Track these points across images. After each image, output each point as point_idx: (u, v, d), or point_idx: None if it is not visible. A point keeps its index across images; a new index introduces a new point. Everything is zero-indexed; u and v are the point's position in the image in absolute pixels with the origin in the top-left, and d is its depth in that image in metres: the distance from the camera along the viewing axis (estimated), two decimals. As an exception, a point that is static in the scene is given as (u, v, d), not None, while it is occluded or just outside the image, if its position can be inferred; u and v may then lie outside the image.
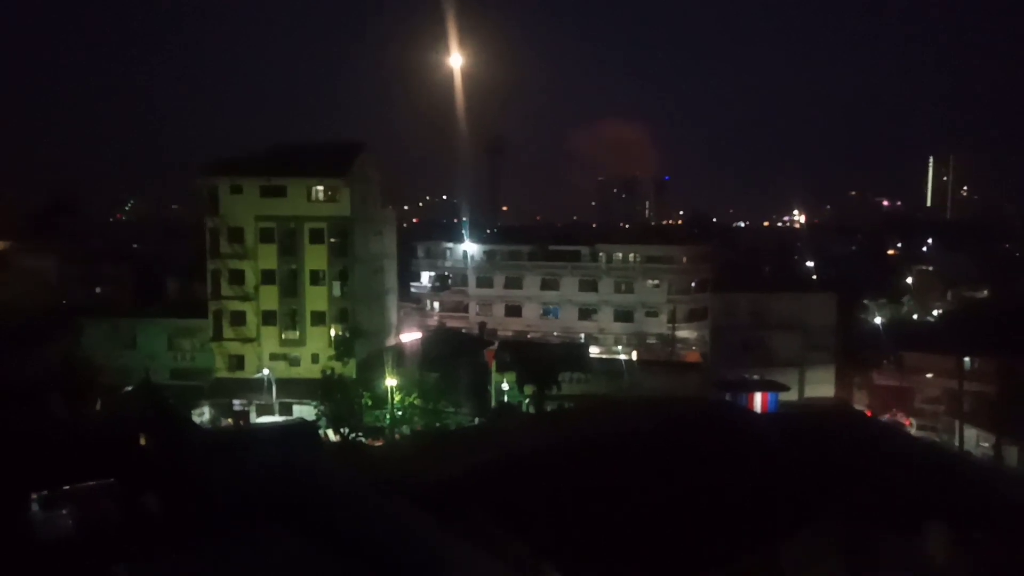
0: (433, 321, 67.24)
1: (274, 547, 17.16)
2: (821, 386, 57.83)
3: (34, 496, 20.28)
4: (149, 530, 19.30)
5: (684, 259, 65.77)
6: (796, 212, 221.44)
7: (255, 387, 48.91)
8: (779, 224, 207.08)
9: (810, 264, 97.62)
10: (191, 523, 19.13)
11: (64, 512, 20.02)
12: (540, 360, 48.05)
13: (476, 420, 44.21)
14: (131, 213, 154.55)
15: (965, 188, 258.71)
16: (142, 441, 26.18)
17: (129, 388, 41.61)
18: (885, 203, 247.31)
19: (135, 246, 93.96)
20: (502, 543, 15.85)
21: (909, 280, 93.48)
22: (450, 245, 71.12)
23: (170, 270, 65.76)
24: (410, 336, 60.19)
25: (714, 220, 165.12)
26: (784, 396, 48.63)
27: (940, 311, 79.52)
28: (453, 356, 49.64)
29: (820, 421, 32.37)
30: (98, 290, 69.60)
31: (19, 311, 50.42)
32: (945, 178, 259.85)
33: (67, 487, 20.51)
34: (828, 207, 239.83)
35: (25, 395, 34.48)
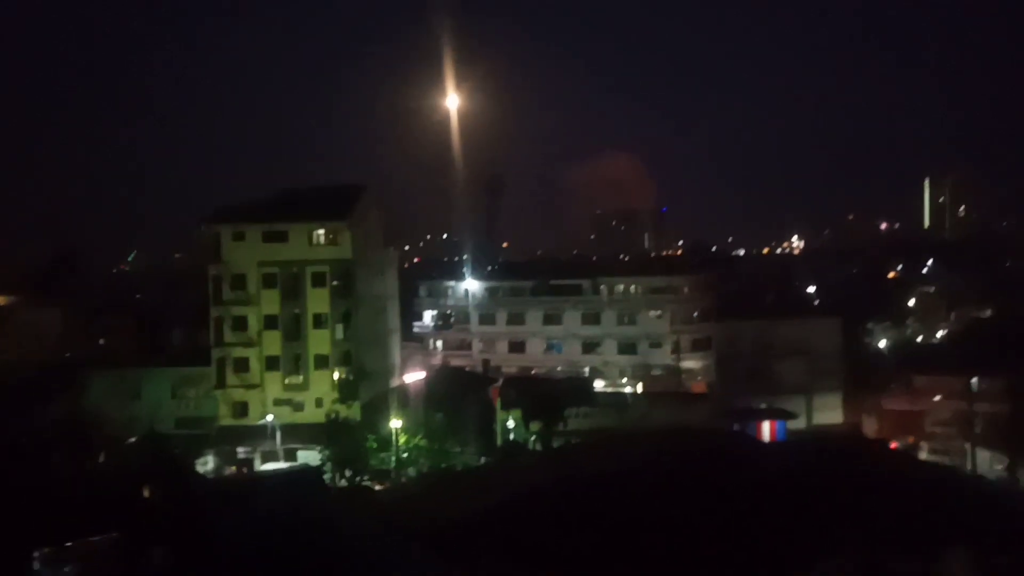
0: (437, 360, 67.03)
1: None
2: (829, 412, 57.40)
3: (36, 554, 20.00)
4: (153, 585, 18.97)
5: (685, 289, 65.81)
6: (795, 238, 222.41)
7: (259, 434, 48.56)
8: (779, 251, 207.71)
9: (811, 289, 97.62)
10: (197, 576, 18.83)
11: (67, 570, 19.74)
12: (545, 396, 47.79)
13: (483, 459, 43.76)
14: (133, 264, 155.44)
15: (963, 208, 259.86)
16: (146, 493, 25.90)
17: (133, 439, 41.33)
18: (883, 226, 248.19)
19: (138, 296, 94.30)
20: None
21: (912, 302, 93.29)
22: (452, 283, 71.31)
23: (173, 319, 65.85)
24: (414, 376, 59.94)
25: (714, 249, 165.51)
26: (792, 424, 48.24)
27: (945, 332, 79.20)
28: (458, 395, 49.38)
29: (831, 449, 31.97)
30: (102, 342, 69.62)
31: (23, 365, 50.38)
32: (942, 199, 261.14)
33: (70, 543, 20.24)
34: (827, 232, 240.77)
35: (29, 450, 34.25)
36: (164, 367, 53.62)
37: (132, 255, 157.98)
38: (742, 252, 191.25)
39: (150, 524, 22.10)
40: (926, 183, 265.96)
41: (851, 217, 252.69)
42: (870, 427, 54.61)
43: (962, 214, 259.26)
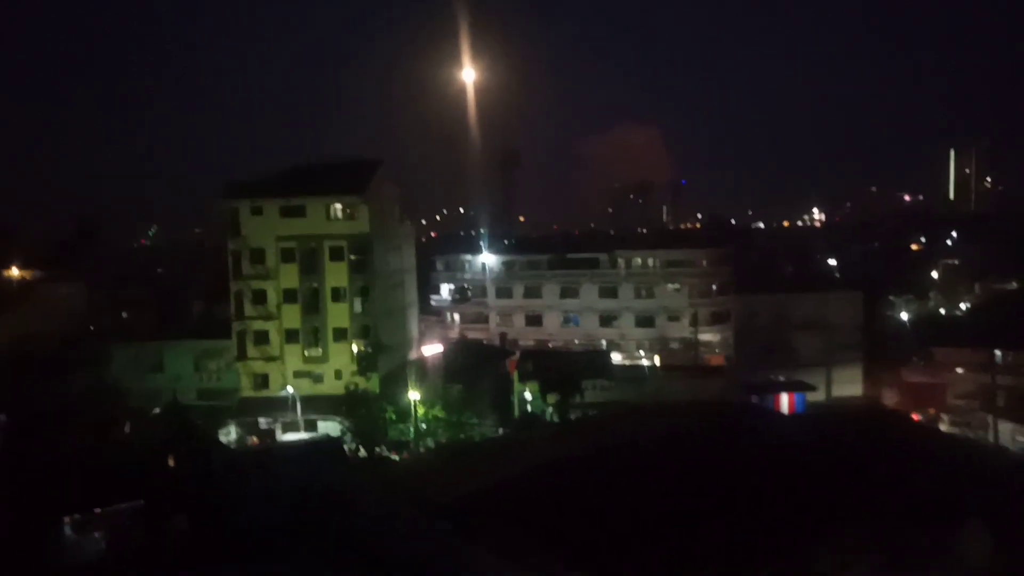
0: (454, 333, 67.33)
1: (301, 565, 17.19)
2: (848, 385, 57.00)
3: (66, 520, 20.53)
4: (178, 551, 19.42)
5: (704, 262, 65.28)
6: (816, 211, 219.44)
7: (280, 405, 49.24)
8: (799, 224, 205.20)
9: (832, 263, 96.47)
10: (219, 543, 19.21)
11: (96, 535, 20.25)
12: (562, 369, 47.84)
13: (500, 431, 44.08)
14: (154, 239, 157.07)
15: (988, 179, 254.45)
16: (170, 463, 26.42)
17: (156, 411, 42.10)
18: (907, 198, 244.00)
19: (159, 271, 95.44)
20: (529, 555, 15.71)
21: (934, 275, 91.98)
22: (469, 257, 71.29)
23: (194, 293, 66.64)
24: (431, 349, 60.29)
25: (733, 222, 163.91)
26: (811, 397, 47.98)
27: (968, 305, 78.06)
28: (475, 368, 49.63)
29: (850, 421, 31.80)
30: (124, 315, 70.69)
31: (48, 339, 51.29)
32: (967, 170, 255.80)
33: (98, 510, 20.74)
34: (848, 204, 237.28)
35: (58, 421, 35.03)
36: (186, 340, 54.38)
37: (152, 230, 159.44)
38: (761, 225, 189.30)
39: (174, 492, 22.57)
40: (951, 154, 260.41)
41: (873, 189, 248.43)
42: (890, 400, 54.26)
43: (987, 186, 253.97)
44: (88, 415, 37.88)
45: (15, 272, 66.43)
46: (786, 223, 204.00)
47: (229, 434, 48.15)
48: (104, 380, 47.00)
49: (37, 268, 68.34)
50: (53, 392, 41.18)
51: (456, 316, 70.45)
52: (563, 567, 15.34)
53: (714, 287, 64.15)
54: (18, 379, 38.71)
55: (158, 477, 24.31)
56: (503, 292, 67.96)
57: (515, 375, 51.33)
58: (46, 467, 24.67)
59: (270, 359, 51.60)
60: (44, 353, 47.51)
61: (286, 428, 48.80)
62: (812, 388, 49.37)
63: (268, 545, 17.97)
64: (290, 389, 49.79)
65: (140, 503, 21.35)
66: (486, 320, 68.28)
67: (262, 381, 51.71)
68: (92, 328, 60.98)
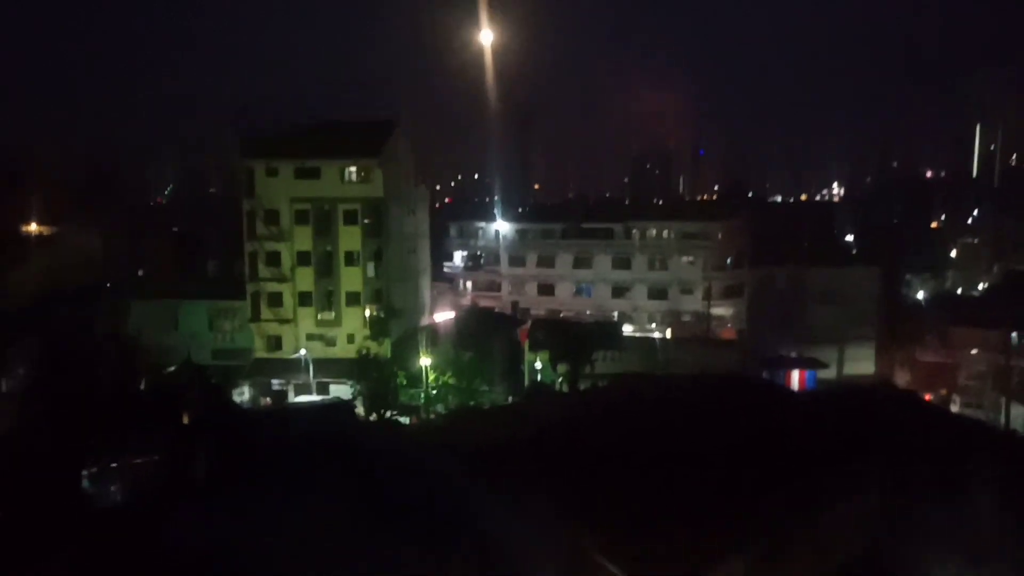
0: (466, 300, 67.56)
1: (317, 506, 17.50)
2: (861, 363, 56.83)
3: (85, 472, 21.00)
4: (195, 499, 19.81)
5: (719, 235, 64.80)
6: (835, 184, 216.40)
7: (293, 367, 49.82)
8: (818, 197, 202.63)
9: (850, 238, 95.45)
10: (236, 488, 19.57)
11: (113, 488, 20.72)
12: (573, 338, 48.03)
13: (510, 399, 44.47)
14: (170, 197, 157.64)
15: (1015, 156, 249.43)
16: (185, 419, 26.91)
17: (172, 368, 42.73)
18: (929, 173, 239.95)
19: (175, 228, 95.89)
20: (537, 504, 15.97)
21: (954, 253, 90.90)
22: (482, 224, 71.15)
23: (209, 251, 67.05)
24: (444, 315, 60.60)
25: (750, 194, 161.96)
26: (823, 374, 47.93)
27: (986, 284, 77.23)
28: (486, 335, 49.86)
29: (861, 399, 31.73)
30: (140, 272, 71.35)
31: (66, 291, 51.90)
32: (992, 147, 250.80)
33: (115, 464, 21.19)
34: (868, 179, 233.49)
35: (76, 376, 35.64)
36: (201, 298, 54.89)
37: (169, 188, 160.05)
38: (779, 198, 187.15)
39: (189, 447, 23.02)
40: (976, 129, 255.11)
41: (895, 164, 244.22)
42: (903, 379, 54.08)
43: (1013, 163, 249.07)
44: (106, 370, 38.53)
45: (33, 226, 67.08)
46: (804, 196, 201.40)
47: (243, 394, 48.87)
48: (121, 335, 47.64)
49: (56, 222, 68.94)
50: (72, 346, 41.82)
51: (468, 283, 70.61)
52: (570, 515, 15.56)
53: (729, 260, 63.75)
54: (37, 332, 39.32)
55: (173, 432, 24.79)
56: (516, 260, 67.93)
57: (526, 344, 51.59)
58: (65, 419, 25.19)
59: (283, 321, 52.07)
60: (62, 305, 48.11)
61: (299, 390, 49.44)
62: (824, 365, 49.35)
63: (284, 489, 18.31)
64: (303, 351, 50.31)
65: (156, 458, 21.80)
66: (498, 288, 68.41)
67: (275, 343, 52.26)
68: (109, 283, 61.61)
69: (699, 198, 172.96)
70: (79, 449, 21.76)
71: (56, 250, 59.28)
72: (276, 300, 52.19)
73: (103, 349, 41.53)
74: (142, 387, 41.08)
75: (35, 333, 38.82)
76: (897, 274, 68.98)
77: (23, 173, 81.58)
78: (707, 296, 60.66)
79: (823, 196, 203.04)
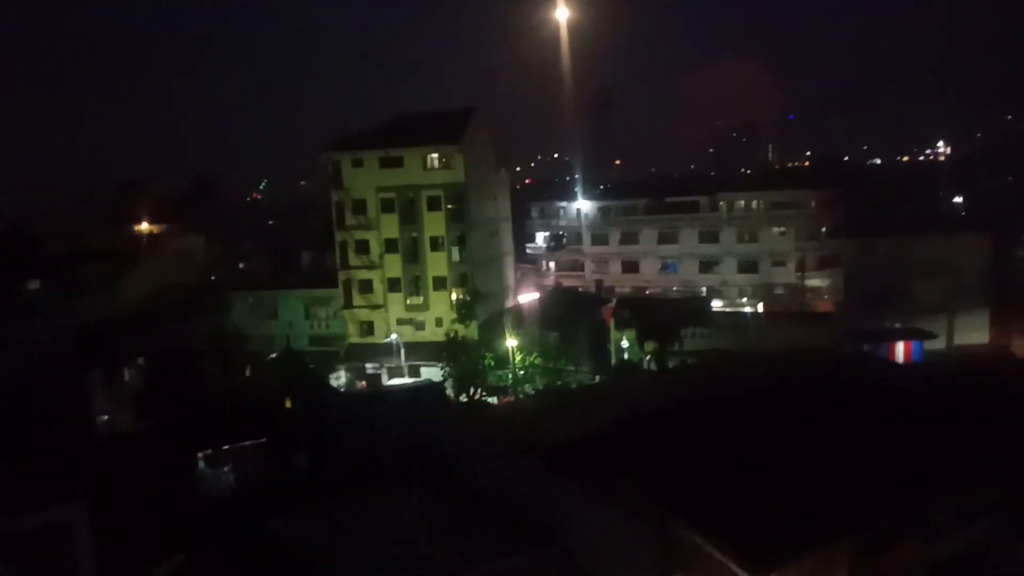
0: (550, 281, 67.60)
1: (408, 499, 18.15)
2: (974, 332, 53.25)
3: (200, 455, 22.53)
4: (297, 485, 20.91)
5: (812, 203, 61.88)
6: (940, 143, 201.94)
7: (385, 351, 51.48)
8: (921, 158, 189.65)
9: (958, 200, 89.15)
10: (333, 478, 20.54)
11: (225, 469, 22.15)
12: (660, 316, 47.21)
13: (597, 378, 44.31)
14: (265, 193, 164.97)
15: None
16: (287, 404, 28.34)
17: (273, 355, 45.00)
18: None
19: (270, 223, 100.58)
20: (630, 499, 15.91)
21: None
22: (563, 204, 70.79)
23: (303, 244, 69.97)
24: (528, 297, 60.89)
25: (846, 159, 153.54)
26: (931, 345, 45.16)
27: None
28: (571, 315, 49.78)
29: (975, 370, 29.75)
30: (241, 266, 75.38)
31: (174, 288, 55.41)
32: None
33: (227, 447, 22.61)
34: (979, 135, 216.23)
35: (187, 365, 38.14)
36: (297, 289, 57.46)
37: (263, 184, 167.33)
38: (879, 161, 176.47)
39: (292, 431, 24.27)
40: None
41: (1009, 117, 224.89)
42: (1020, 348, 50.31)
43: None
44: (215, 360, 41.01)
45: (145, 227, 71.83)
46: (906, 158, 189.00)
47: (339, 378, 50.97)
48: (225, 327, 50.52)
49: (162, 223, 73.51)
50: (182, 338, 44.77)
51: (551, 264, 70.56)
52: (663, 510, 15.43)
53: (823, 229, 60.87)
54: (151, 326, 42.15)
55: (277, 418, 26.19)
56: (598, 239, 67.28)
57: (611, 323, 51.13)
58: (182, 407, 27.06)
59: (374, 307, 53.78)
60: (172, 301, 51.42)
61: (391, 373, 51.07)
62: (932, 336, 46.37)
63: (378, 479, 19.05)
64: (394, 336, 51.86)
65: (262, 441, 23.12)
66: (581, 268, 68.04)
67: (367, 328, 54.09)
68: (212, 278, 65.33)
69: (789, 166, 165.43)
70: (195, 433, 23.36)
71: (164, 248, 63.19)
72: (367, 287, 53.94)
73: (210, 340, 44.17)
74: (247, 374, 43.54)
75: (149, 328, 41.61)
76: (1012, 237, 63.93)
77: (137, 180, 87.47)
78: (801, 268, 58.19)
79: (927, 156, 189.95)
